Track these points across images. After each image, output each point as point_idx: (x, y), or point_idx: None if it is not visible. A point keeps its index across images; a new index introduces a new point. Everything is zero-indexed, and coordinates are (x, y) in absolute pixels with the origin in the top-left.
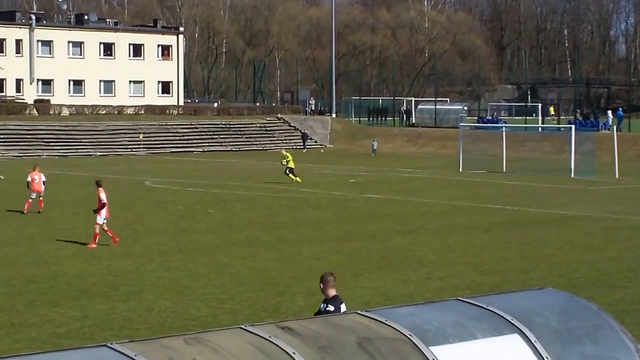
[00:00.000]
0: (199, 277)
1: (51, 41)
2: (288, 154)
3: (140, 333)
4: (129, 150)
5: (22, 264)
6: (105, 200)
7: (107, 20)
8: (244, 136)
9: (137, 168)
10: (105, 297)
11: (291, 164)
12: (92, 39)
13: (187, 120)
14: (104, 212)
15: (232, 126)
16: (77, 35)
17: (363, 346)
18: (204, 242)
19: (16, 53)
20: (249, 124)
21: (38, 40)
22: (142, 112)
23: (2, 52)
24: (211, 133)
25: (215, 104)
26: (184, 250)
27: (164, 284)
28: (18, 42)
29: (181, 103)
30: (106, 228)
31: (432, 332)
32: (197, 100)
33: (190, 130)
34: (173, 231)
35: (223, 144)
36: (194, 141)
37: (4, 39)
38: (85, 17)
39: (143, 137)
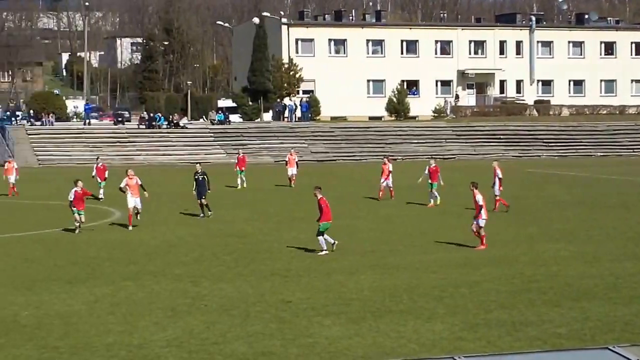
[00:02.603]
0: None
1: (551, 42)
2: None
3: None
4: (631, 150)
5: (521, 264)
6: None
7: (608, 18)
8: None
9: (636, 169)
10: (606, 300)
11: None
12: (592, 38)
13: None
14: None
15: None
16: (576, 35)
17: None
18: None
19: (516, 54)
20: None
21: (538, 41)
22: None
23: (503, 54)
24: None
25: None
26: None
27: None
28: (518, 44)
29: None
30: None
31: None
32: None
33: None
34: None
35: None
36: None
37: (505, 41)
38: (586, 16)
39: None
